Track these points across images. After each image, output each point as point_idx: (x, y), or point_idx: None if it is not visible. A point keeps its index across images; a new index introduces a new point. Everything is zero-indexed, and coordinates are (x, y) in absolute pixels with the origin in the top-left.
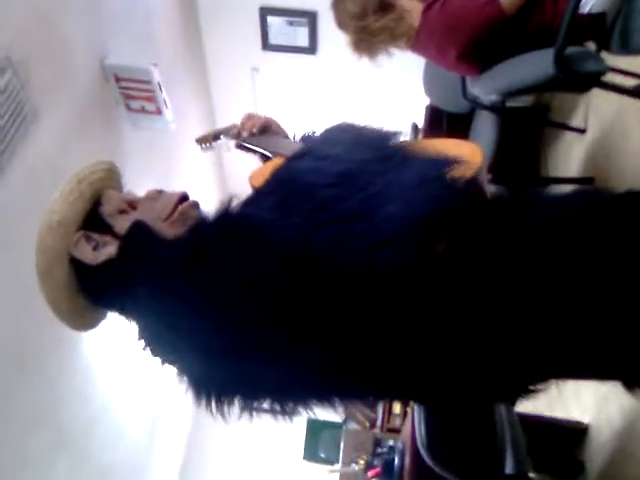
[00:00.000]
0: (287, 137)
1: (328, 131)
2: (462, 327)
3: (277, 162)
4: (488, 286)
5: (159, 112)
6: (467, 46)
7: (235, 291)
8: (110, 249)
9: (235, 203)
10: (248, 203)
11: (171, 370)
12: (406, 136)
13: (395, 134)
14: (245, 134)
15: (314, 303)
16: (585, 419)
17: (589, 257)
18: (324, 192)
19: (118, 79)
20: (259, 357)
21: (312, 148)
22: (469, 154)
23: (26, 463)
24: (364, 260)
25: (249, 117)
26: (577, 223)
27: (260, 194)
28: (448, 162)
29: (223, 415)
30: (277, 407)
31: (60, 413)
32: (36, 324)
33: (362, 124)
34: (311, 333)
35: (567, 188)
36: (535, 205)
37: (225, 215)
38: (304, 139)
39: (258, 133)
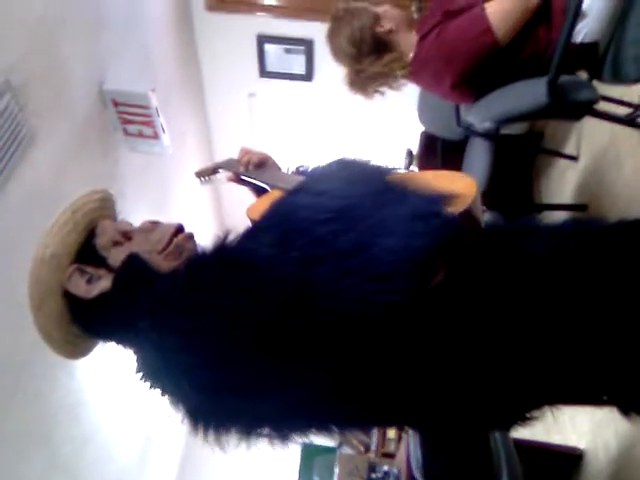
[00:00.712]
0: (282, 171)
1: (326, 166)
2: (459, 357)
3: (275, 195)
4: (485, 317)
5: (156, 137)
6: (462, 75)
7: (232, 327)
8: (104, 283)
9: (232, 237)
10: (245, 237)
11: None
12: (401, 166)
13: (391, 169)
14: (242, 168)
15: (312, 338)
16: (581, 444)
17: (584, 287)
18: (321, 228)
19: (116, 104)
20: (257, 392)
21: (310, 182)
22: (464, 187)
23: None
24: (361, 294)
25: (246, 151)
26: (572, 254)
27: (257, 228)
28: (443, 197)
29: (220, 445)
30: (274, 435)
31: (53, 434)
32: (30, 344)
33: (360, 159)
34: (309, 368)
35: (560, 215)
36: (530, 235)
37: (222, 250)
38: (300, 172)
39: (255, 167)
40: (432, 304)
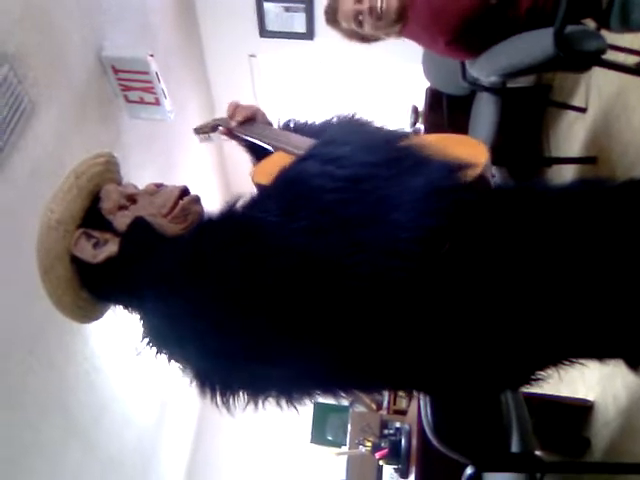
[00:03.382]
0: (272, 126)
1: (334, 126)
2: (468, 321)
3: (284, 160)
4: (494, 279)
5: (158, 102)
6: (454, 33)
7: (240, 295)
8: (111, 247)
9: (239, 204)
10: (253, 204)
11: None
12: (407, 123)
13: (404, 134)
14: (234, 123)
15: (319, 307)
16: (590, 397)
17: (592, 246)
18: (330, 196)
19: (116, 70)
20: (264, 358)
21: (320, 148)
22: (475, 153)
23: (39, 451)
24: (369, 269)
25: (235, 105)
26: (580, 214)
27: (266, 195)
28: (457, 167)
29: (228, 408)
30: (282, 399)
31: (70, 402)
32: (43, 314)
33: (369, 120)
34: (316, 335)
35: (569, 168)
36: (538, 197)
37: (230, 217)
38: (290, 128)
39: (246, 122)
40: (440, 269)
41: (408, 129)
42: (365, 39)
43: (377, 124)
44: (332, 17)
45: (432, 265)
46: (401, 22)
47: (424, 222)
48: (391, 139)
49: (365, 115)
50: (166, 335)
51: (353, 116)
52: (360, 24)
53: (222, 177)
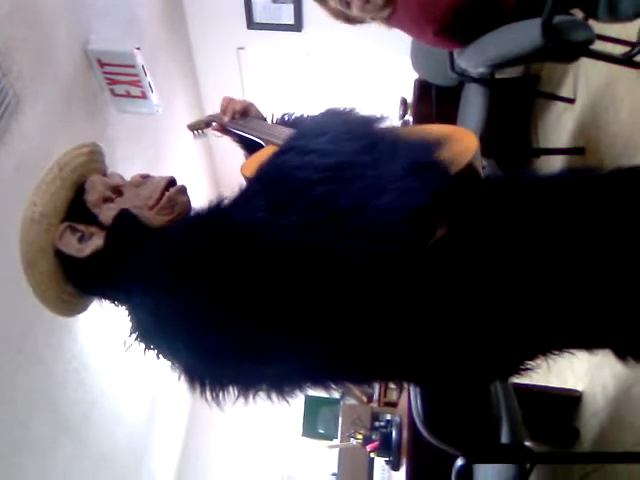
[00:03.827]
0: (266, 120)
1: (314, 119)
2: (460, 310)
3: (268, 153)
4: (484, 269)
5: (144, 96)
6: (442, 23)
7: (230, 292)
8: (96, 241)
9: (226, 201)
10: (239, 201)
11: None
12: (395, 114)
13: (381, 118)
14: (227, 118)
15: (310, 298)
16: (579, 387)
17: (581, 236)
18: (316, 189)
19: (101, 64)
20: (256, 355)
21: (299, 139)
22: (465, 140)
23: (29, 448)
24: (360, 255)
25: (229, 100)
26: (568, 204)
27: (251, 191)
28: (436, 144)
29: (218, 402)
30: (273, 393)
31: (60, 399)
32: (32, 312)
33: (348, 109)
34: (308, 327)
35: (557, 159)
36: (527, 186)
37: (219, 214)
38: (285, 122)
39: (239, 116)
40: (431, 259)
41: (397, 120)
42: (351, 20)
43: (355, 111)
44: None
45: (421, 250)
46: (389, 7)
47: (406, 200)
48: (369, 125)
49: (349, 105)
50: (154, 331)
51: (333, 107)
52: (348, 5)
53: (210, 169)
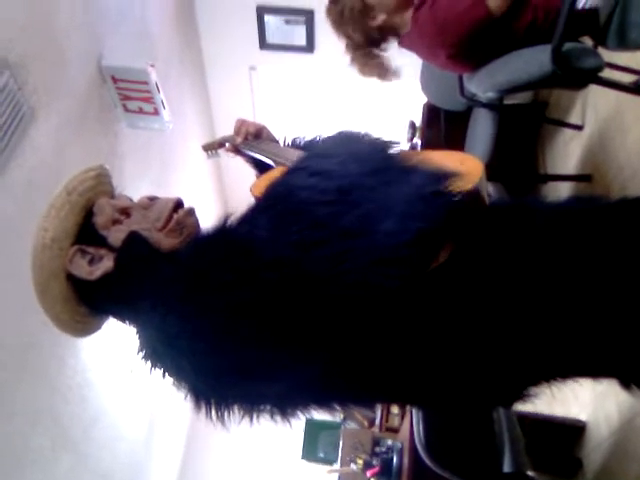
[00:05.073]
0: (278, 143)
1: (325, 141)
2: (463, 336)
3: (277, 173)
4: (487, 295)
5: (157, 113)
6: (456, 47)
7: (234, 312)
8: (106, 263)
9: (232, 219)
10: (243, 220)
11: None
12: (404, 138)
13: (391, 143)
14: (240, 139)
15: (312, 321)
16: (583, 417)
17: (586, 265)
18: (319, 210)
19: (115, 80)
20: (258, 375)
21: (308, 161)
22: (471, 167)
23: (28, 462)
24: (360, 279)
25: (242, 122)
26: (574, 232)
27: (255, 210)
28: (446, 175)
29: (222, 422)
30: (277, 413)
31: (60, 414)
32: (36, 325)
33: (360, 133)
34: (309, 352)
35: (564, 186)
36: (533, 213)
37: (223, 234)
38: (296, 145)
39: (252, 139)
40: (433, 283)
41: (405, 144)
42: (360, 46)
43: (366, 135)
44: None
45: (423, 274)
46: (406, 9)
47: (409, 226)
48: (378, 149)
49: (360, 128)
50: (161, 350)
51: (345, 130)
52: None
53: (219, 187)
